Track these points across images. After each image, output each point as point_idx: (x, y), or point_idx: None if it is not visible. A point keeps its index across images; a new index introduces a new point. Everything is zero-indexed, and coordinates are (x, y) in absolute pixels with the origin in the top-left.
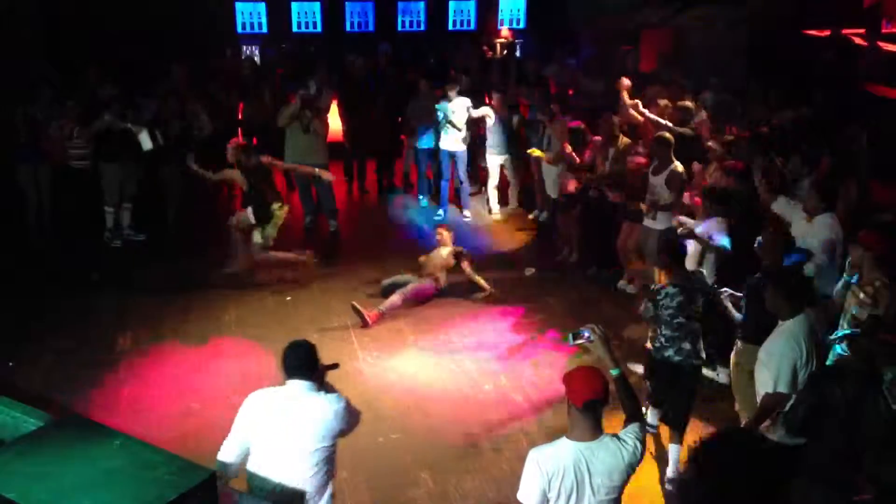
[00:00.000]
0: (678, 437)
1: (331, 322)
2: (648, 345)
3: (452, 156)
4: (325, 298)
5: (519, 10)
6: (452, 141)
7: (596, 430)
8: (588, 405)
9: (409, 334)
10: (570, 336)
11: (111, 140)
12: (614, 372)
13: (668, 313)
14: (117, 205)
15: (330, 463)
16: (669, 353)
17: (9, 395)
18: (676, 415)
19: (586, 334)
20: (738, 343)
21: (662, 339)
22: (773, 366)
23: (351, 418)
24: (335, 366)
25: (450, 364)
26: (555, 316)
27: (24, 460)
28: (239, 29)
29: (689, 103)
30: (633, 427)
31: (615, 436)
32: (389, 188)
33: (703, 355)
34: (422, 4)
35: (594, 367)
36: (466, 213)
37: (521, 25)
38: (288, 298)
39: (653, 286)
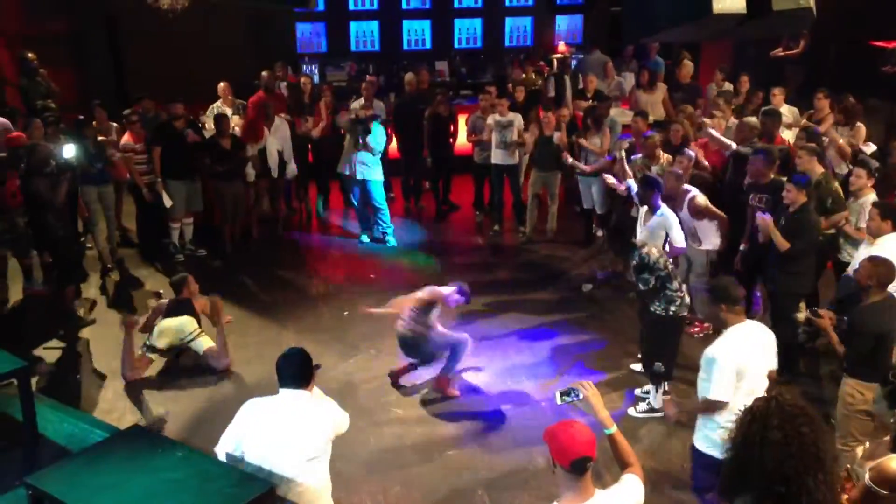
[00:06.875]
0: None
1: (385, 339)
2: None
3: (505, 170)
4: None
5: (576, 25)
6: (504, 155)
7: (587, 490)
8: (576, 464)
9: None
10: (558, 395)
11: (182, 157)
12: (608, 432)
13: (663, 265)
14: (180, 220)
15: (326, 465)
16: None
17: (78, 408)
18: (670, 363)
19: (576, 394)
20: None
21: (673, 294)
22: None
23: (343, 420)
24: (317, 366)
25: (507, 380)
26: (611, 333)
27: (90, 470)
28: (299, 49)
29: (754, 119)
30: (631, 476)
31: (613, 488)
32: (445, 204)
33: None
34: (478, 21)
35: (579, 422)
36: (522, 228)
37: (578, 40)
38: (345, 313)
39: (635, 260)
